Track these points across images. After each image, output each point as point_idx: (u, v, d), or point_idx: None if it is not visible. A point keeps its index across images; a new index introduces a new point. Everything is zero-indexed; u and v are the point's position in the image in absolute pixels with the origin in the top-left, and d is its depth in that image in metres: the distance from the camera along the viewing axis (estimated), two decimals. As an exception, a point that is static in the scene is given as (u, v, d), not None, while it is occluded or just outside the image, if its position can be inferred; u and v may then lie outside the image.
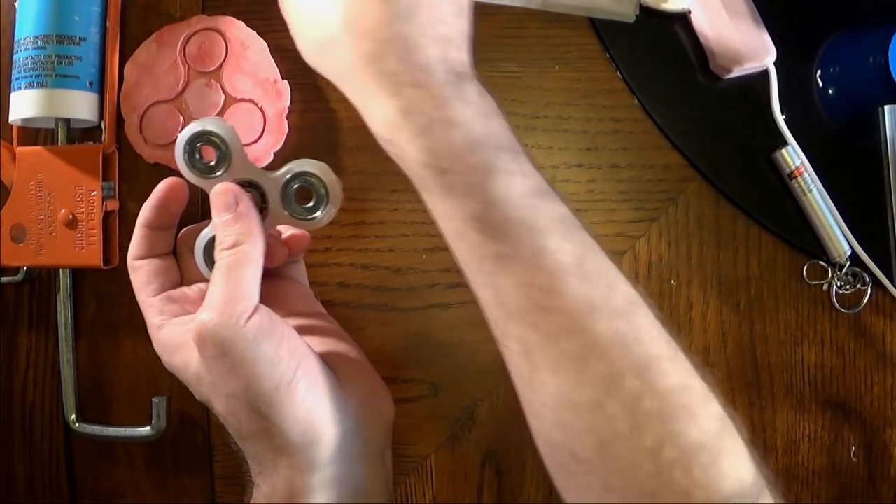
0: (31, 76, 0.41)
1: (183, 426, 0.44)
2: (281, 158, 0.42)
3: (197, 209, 0.41)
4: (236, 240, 0.34)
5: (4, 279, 0.44)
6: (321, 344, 0.37)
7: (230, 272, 0.33)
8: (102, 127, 0.43)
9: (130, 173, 0.44)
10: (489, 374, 0.44)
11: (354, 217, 0.44)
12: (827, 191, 0.43)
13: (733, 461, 0.28)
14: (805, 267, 0.44)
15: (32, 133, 0.44)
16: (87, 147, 0.43)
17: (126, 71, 0.44)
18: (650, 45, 0.44)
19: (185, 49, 0.44)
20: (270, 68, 0.43)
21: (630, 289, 0.30)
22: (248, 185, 0.36)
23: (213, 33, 0.43)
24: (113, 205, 0.43)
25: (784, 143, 0.43)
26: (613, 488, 0.28)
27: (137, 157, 0.43)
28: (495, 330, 0.30)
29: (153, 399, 0.43)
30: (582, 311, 0.28)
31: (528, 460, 0.44)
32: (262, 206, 0.36)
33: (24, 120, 0.42)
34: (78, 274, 0.44)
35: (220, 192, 0.35)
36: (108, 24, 0.43)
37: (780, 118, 0.43)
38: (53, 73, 0.41)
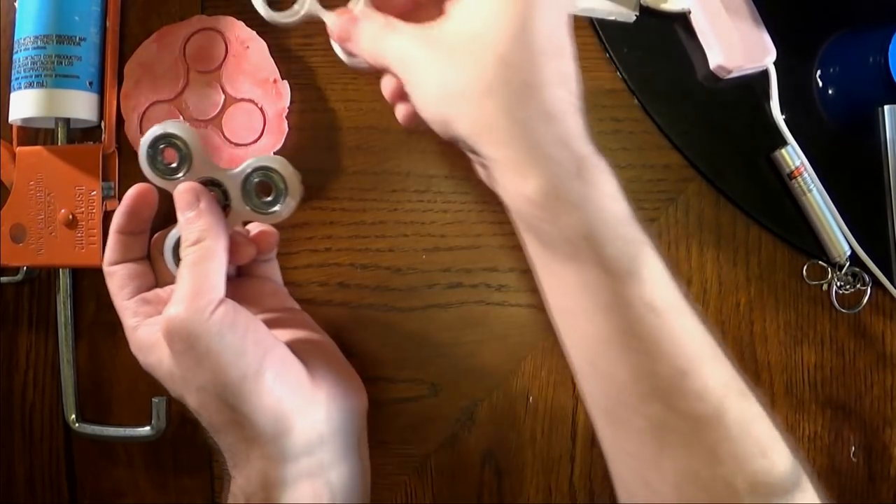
0: (31, 76, 0.41)
1: (183, 426, 0.44)
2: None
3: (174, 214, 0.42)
4: (199, 236, 0.35)
5: (4, 279, 0.44)
6: (291, 336, 0.37)
7: (194, 268, 0.34)
8: (102, 127, 0.43)
9: (130, 173, 0.44)
10: (489, 374, 0.44)
11: (354, 217, 0.44)
12: (827, 191, 0.43)
13: None
14: (805, 267, 0.44)
15: (32, 133, 0.44)
16: (86, 147, 0.43)
17: (126, 71, 0.44)
18: (650, 45, 0.44)
19: (185, 49, 0.44)
20: (270, 68, 0.43)
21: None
22: (211, 184, 0.37)
23: (213, 33, 0.43)
24: (113, 205, 0.43)
25: (784, 143, 0.43)
26: None
27: (137, 157, 0.43)
28: (618, 407, 0.30)
29: (153, 399, 0.43)
30: (718, 393, 0.29)
31: (528, 460, 0.44)
32: (224, 204, 0.37)
33: (24, 120, 0.42)
34: (78, 274, 0.44)
35: (183, 192, 0.36)
36: (108, 23, 0.43)
37: (779, 118, 0.43)
38: (53, 73, 0.41)
